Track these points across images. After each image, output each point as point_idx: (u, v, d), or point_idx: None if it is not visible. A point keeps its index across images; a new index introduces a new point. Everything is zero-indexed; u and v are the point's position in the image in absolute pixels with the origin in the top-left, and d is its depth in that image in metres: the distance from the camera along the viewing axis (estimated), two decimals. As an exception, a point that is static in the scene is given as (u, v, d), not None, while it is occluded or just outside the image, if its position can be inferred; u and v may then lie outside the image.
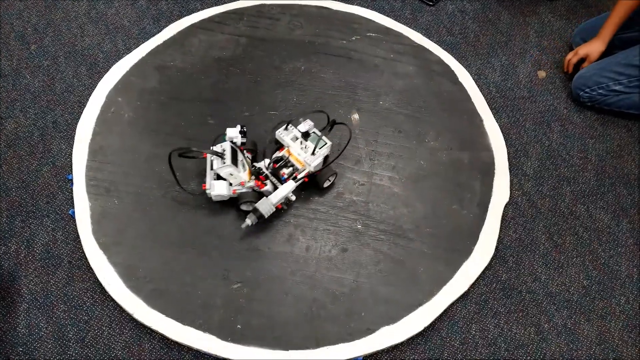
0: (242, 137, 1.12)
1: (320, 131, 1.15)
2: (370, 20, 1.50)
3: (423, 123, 1.33)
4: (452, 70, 1.43)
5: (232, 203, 1.12)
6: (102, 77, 1.29)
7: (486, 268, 1.15)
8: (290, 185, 1.10)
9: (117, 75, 1.30)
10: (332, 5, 1.52)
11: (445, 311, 1.09)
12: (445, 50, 1.48)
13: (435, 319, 1.08)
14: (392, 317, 1.06)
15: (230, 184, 1.10)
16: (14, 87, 1.26)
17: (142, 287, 1.04)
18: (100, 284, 1.04)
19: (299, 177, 1.11)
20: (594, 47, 1.40)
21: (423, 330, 1.06)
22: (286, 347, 1.01)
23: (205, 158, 1.12)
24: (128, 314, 1.02)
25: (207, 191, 1.08)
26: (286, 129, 1.15)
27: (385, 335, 1.05)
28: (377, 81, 1.38)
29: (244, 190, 1.10)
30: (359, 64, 1.41)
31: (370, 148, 1.27)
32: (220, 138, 1.15)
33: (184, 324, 1.01)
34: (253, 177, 1.10)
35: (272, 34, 1.44)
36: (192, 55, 1.37)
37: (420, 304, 1.09)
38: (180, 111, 1.27)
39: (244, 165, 1.11)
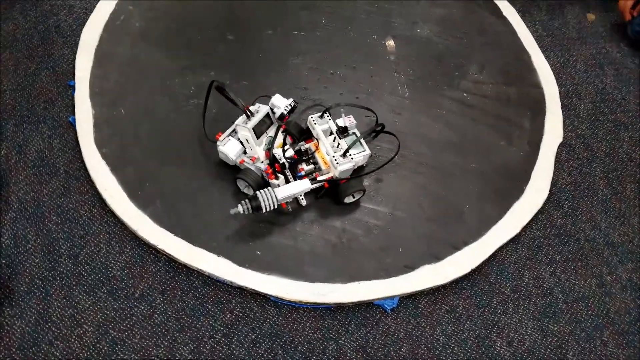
0: (286, 112, 0.89)
1: (362, 134, 0.91)
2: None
3: (465, 55, 1.16)
4: (496, 4, 1.28)
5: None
6: (113, -15, 1.14)
7: (539, 211, 0.99)
8: (304, 184, 0.86)
9: (130, -17, 1.15)
10: None
11: (494, 254, 0.93)
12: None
13: (483, 262, 0.91)
14: (434, 256, 0.90)
15: (245, 153, 0.90)
16: (14, -11, 1.12)
17: (149, 203, 0.88)
18: (100, 197, 0.88)
19: (318, 178, 0.88)
20: None
21: (469, 274, 0.90)
22: (312, 278, 0.86)
23: (243, 110, 0.86)
24: (130, 232, 0.86)
25: (218, 143, 0.89)
26: (321, 117, 0.92)
27: (426, 274, 0.88)
28: (413, 8, 1.22)
29: (251, 166, 0.89)
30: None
31: (407, 77, 1.11)
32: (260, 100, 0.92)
33: (194, 245, 0.86)
34: (268, 160, 0.89)
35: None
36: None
37: (466, 244, 0.92)
38: (197, 24, 1.10)
39: (268, 143, 0.89)
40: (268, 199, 0.82)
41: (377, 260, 0.88)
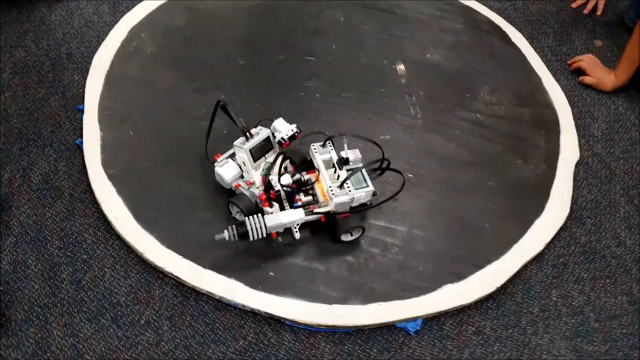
0: (286, 137, 0.84)
1: (368, 170, 0.87)
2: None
3: (476, 78, 1.16)
4: (504, 31, 1.29)
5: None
6: (124, 15, 1.16)
7: (561, 228, 0.95)
8: (297, 215, 0.80)
9: (141, 13, 1.16)
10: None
11: (518, 273, 0.88)
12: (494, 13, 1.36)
13: (508, 281, 0.87)
14: (456, 275, 0.85)
15: (242, 177, 0.86)
16: (27, 19, 1.11)
17: (155, 224, 0.84)
18: (105, 220, 0.85)
19: (314, 211, 0.83)
20: (604, 77, 1.19)
21: (494, 293, 0.85)
22: (329, 300, 0.81)
23: (242, 131, 0.82)
24: (136, 255, 0.82)
25: (215, 163, 0.86)
26: (323, 146, 0.87)
27: (449, 294, 0.83)
28: (423, 35, 1.24)
29: (246, 191, 0.84)
30: (402, 19, 1.27)
31: (418, 99, 1.11)
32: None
33: (204, 267, 0.82)
34: (263, 186, 0.84)
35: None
36: None
37: (489, 262, 0.88)
38: (209, 49, 1.11)
39: (266, 169, 0.84)
40: (256, 226, 0.77)
41: (397, 280, 0.84)
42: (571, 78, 1.24)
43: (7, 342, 0.72)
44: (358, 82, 1.12)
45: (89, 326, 0.75)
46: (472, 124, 1.07)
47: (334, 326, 0.78)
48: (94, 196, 0.87)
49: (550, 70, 1.23)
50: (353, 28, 1.23)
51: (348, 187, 0.82)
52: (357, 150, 0.87)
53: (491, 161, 1.02)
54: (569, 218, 0.97)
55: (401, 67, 1.16)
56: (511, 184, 0.99)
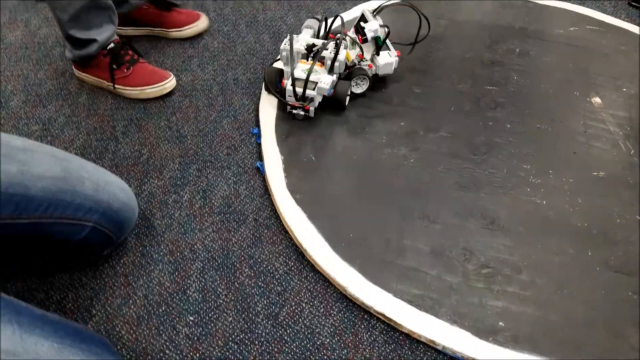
0: (369, 29, 1.03)
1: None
2: (586, 16, 1.39)
3: (690, 114, 1.11)
4: None
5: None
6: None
7: None
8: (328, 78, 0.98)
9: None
10: (539, 0, 1.44)
11: None
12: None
13: None
14: None
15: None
16: (190, 45, 1.20)
17: (356, 256, 0.80)
18: (296, 249, 0.82)
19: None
20: None
21: None
22: (581, 361, 0.71)
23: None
24: (336, 289, 0.78)
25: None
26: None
27: None
28: (613, 68, 1.20)
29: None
30: (585, 51, 1.24)
31: (625, 134, 1.05)
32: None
33: (420, 310, 0.76)
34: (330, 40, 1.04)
35: (475, 18, 1.33)
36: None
37: None
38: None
39: (351, 42, 1.05)
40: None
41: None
42: None
43: (204, 381, 0.68)
44: (551, 113, 1.08)
45: (293, 370, 0.70)
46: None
47: (592, 395, 0.68)
48: (280, 223, 0.86)
49: None
50: (532, 59, 1.21)
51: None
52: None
53: None
54: None
55: (597, 99, 1.12)
56: None
